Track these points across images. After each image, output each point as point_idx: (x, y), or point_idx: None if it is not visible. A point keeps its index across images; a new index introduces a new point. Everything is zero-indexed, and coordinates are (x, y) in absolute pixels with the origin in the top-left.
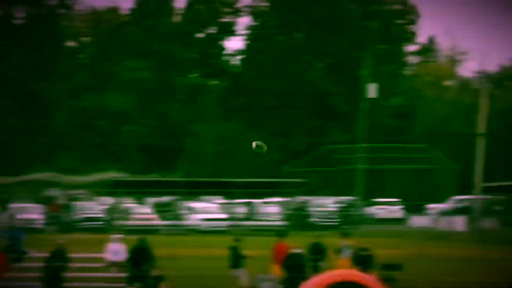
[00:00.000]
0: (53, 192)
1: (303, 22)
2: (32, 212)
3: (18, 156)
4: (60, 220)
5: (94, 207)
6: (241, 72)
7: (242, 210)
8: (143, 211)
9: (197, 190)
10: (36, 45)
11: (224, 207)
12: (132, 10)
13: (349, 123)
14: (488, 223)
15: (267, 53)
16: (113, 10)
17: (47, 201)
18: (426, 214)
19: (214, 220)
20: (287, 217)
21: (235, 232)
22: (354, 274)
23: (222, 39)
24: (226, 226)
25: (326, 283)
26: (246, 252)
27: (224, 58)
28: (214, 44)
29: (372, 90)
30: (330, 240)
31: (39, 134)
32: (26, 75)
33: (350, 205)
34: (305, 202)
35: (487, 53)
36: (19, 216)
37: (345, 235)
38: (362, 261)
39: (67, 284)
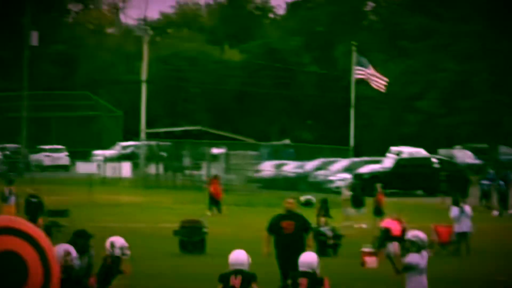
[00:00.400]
0: None
1: None
2: None
3: None
4: None
5: None
6: None
7: None
8: None
9: None
10: None
11: None
12: None
13: (11, 71)
14: (152, 169)
15: None
16: None
17: None
18: (92, 161)
19: None
20: None
21: None
22: (12, 220)
23: None
24: None
25: None
26: None
27: None
28: None
29: (33, 38)
30: None
31: None
32: None
33: (15, 152)
34: None
35: (149, 0)
36: None
37: (10, 182)
38: (31, 207)
39: None
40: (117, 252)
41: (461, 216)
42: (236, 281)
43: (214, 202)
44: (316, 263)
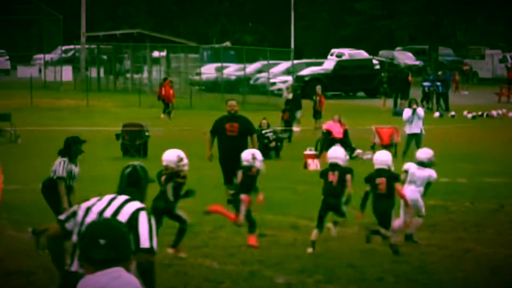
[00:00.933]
0: None
1: None
2: None
3: None
4: None
5: None
6: None
7: None
8: None
9: None
10: None
11: None
12: None
13: None
14: (93, 72)
15: None
16: None
17: None
18: (33, 65)
19: None
20: None
21: None
22: None
23: None
24: None
25: None
26: None
27: None
28: None
29: None
30: None
31: None
32: None
33: None
34: None
35: None
36: None
37: None
38: None
39: None
40: (258, 164)
41: (413, 118)
42: (334, 176)
43: (165, 104)
44: (391, 160)
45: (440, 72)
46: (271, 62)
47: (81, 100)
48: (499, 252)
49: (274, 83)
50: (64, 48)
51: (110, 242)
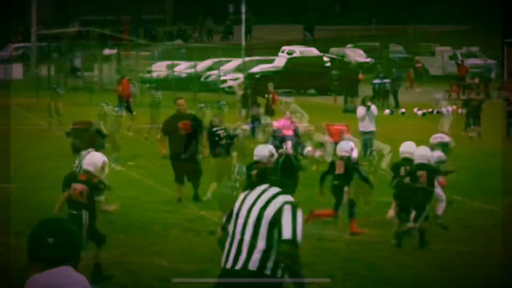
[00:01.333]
0: None
1: None
2: None
3: None
4: None
5: None
6: None
7: None
8: None
9: None
10: None
11: None
12: None
13: None
14: (44, 71)
15: None
16: None
17: None
18: None
19: None
20: None
21: None
22: None
23: None
24: None
25: None
26: None
27: None
28: None
29: None
30: None
31: None
32: None
33: None
34: None
35: None
36: None
37: None
38: None
39: None
40: (355, 155)
41: (367, 115)
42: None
43: (123, 102)
44: (431, 154)
45: (394, 70)
46: (222, 59)
47: (31, 98)
48: (448, 249)
49: (225, 81)
50: (14, 46)
51: (58, 241)
